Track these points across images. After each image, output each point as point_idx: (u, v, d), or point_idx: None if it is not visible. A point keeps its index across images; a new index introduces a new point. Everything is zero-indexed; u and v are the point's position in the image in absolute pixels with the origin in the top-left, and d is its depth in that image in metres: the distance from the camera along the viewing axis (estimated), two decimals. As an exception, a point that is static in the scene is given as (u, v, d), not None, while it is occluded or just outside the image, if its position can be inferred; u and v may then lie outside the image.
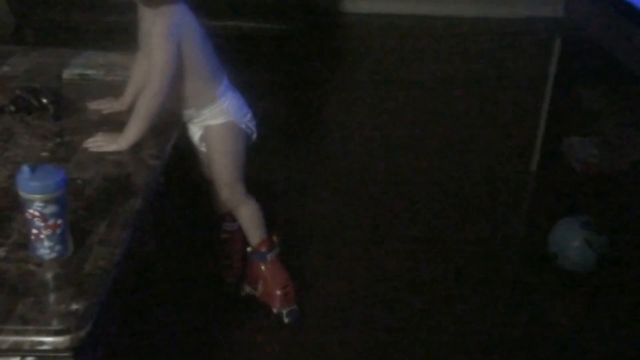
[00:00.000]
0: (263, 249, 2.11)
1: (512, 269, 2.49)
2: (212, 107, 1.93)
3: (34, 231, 1.34)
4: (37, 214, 1.32)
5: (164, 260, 1.87)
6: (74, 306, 1.25)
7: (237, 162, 2.02)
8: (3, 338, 1.20)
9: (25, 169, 1.32)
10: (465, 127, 3.40)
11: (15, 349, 1.21)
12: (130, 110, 1.83)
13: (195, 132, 1.99)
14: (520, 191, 2.98)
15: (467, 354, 2.11)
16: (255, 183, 2.14)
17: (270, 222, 2.15)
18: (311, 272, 2.37)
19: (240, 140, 2.00)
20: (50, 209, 1.32)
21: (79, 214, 1.48)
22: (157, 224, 1.71)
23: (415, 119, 3.47)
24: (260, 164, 2.40)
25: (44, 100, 1.87)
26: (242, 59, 2.74)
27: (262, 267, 2.12)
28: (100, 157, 1.71)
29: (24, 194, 1.32)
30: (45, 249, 1.35)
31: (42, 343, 1.21)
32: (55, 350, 1.21)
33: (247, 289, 2.18)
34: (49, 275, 1.34)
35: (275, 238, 2.14)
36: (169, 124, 1.88)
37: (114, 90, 1.99)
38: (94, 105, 1.94)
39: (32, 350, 1.21)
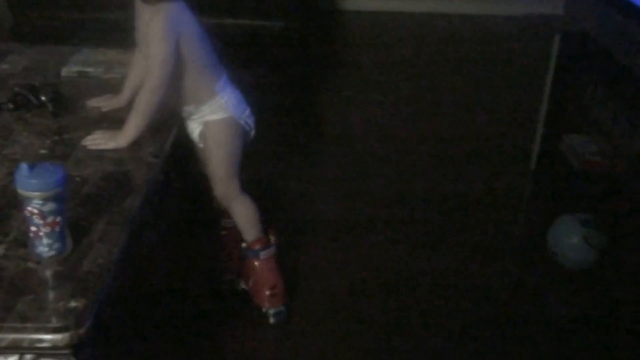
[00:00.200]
0: (257, 247, 2.11)
1: (512, 266, 2.49)
2: (211, 103, 1.93)
3: (33, 229, 1.33)
4: (35, 211, 1.31)
5: (163, 257, 1.87)
6: (73, 304, 1.25)
7: (233, 158, 2.02)
8: (2, 336, 1.20)
9: (23, 166, 1.31)
10: (464, 125, 3.41)
11: (14, 347, 1.21)
12: (129, 107, 1.83)
13: (195, 129, 1.99)
14: (520, 189, 2.98)
15: (466, 352, 2.11)
16: (253, 182, 2.14)
17: (269, 221, 2.15)
18: (309, 270, 2.37)
19: (238, 137, 2.00)
20: (49, 206, 1.31)
21: (77, 211, 1.48)
22: (156, 222, 1.70)
23: (414, 117, 3.48)
24: (257, 163, 2.40)
25: (43, 98, 1.87)
26: (241, 57, 2.73)
27: (255, 264, 2.12)
28: (99, 154, 1.71)
29: (22, 192, 1.31)
30: (44, 247, 1.35)
31: (41, 340, 1.20)
32: (55, 347, 1.21)
33: (242, 284, 2.19)
34: (48, 273, 1.34)
35: (272, 237, 2.14)
36: (168, 121, 1.88)
37: (113, 87, 1.99)
38: (93, 103, 1.94)
39: (31, 347, 1.21)
